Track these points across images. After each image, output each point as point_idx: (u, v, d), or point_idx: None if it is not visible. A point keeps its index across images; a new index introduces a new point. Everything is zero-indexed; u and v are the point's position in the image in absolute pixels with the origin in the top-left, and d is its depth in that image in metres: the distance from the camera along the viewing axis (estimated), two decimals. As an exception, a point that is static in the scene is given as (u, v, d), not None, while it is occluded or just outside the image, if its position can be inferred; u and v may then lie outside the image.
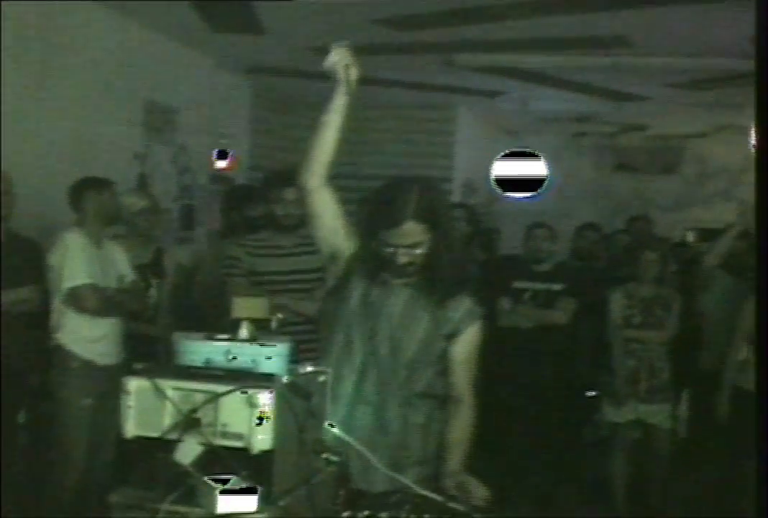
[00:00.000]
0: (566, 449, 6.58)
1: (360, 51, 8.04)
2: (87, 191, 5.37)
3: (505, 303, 6.43)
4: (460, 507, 2.81)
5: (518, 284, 6.50)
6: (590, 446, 7.05)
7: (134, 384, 2.48)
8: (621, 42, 7.61)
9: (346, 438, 2.79)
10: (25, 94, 6.10)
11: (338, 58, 3.23)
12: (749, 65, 7.92)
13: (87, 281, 5.15)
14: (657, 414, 6.34)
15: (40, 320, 5.28)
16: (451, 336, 3.38)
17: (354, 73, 3.24)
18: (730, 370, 5.98)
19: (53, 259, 5.19)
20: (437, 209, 3.27)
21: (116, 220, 5.56)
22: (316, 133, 3.29)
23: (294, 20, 7.36)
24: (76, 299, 5.17)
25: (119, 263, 5.47)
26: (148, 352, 5.39)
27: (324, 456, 2.70)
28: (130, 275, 5.48)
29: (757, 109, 2.77)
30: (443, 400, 3.43)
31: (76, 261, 5.15)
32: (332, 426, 2.74)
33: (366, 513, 2.77)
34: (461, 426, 3.38)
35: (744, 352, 5.99)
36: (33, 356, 5.28)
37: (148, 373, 2.49)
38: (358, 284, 3.35)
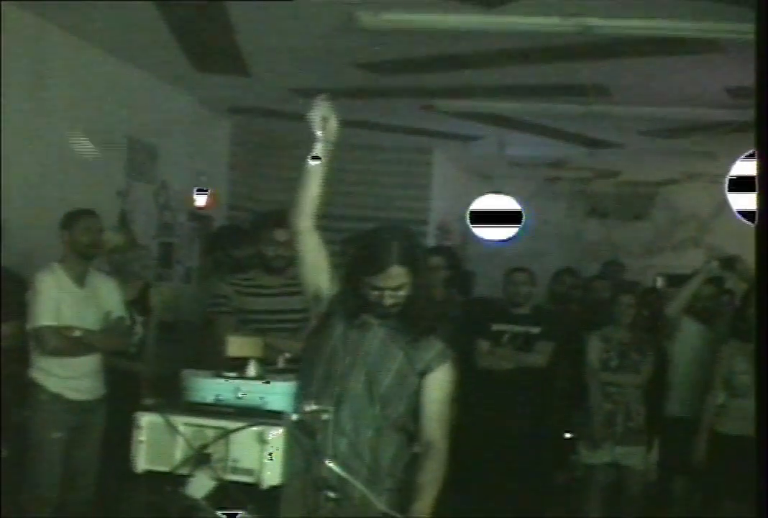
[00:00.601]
0: (540, 491, 6.62)
1: (340, 94, 8.23)
2: (70, 223, 5.43)
3: (483, 345, 6.51)
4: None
5: (497, 327, 6.59)
6: (563, 488, 7.09)
7: (146, 420, 2.54)
8: (597, 91, 7.76)
9: (346, 475, 2.86)
10: (13, 128, 6.16)
11: (317, 111, 3.42)
12: (722, 115, 8.19)
13: (48, 323, 5.21)
14: (632, 456, 6.42)
15: (22, 355, 5.32)
16: (423, 373, 3.48)
17: (332, 126, 3.43)
18: (708, 414, 6.08)
19: (27, 297, 5.27)
20: (417, 254, 3.51)
21: (95, 254, 5.57)
22: (302, 178, 3.49)
23: (278, 63, 7.47)
24: (37, 340, 5.25)
25: (105, 299, 5.50)
26: (132, 387, 5.44)
27: (324, 492, 2.77)
28: (117, 312, 5.51)
29: (757, 121, 2.86)
30: (412, 437, 3.51)
31: (42, 302, 5.21)
32: (331, 463, 2.81)
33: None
34: (431, 468, 3.43)
35: (721, 397, 6.10)
36: (13, 390, 5.32)
37: (159, 409, 2.54)
38: (338, 323, 3.48)
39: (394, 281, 3.39)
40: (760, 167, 2.88)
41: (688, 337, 6.73)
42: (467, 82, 7.88)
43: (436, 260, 6.41)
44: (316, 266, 3.54)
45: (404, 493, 3.43)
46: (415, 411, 3.49)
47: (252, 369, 2.75)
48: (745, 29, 5.77)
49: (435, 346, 3.51)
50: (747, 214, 6.53)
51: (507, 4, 5.67)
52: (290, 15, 6.16)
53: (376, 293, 3.40)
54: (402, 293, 3.41)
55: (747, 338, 5.84)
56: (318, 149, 3.44)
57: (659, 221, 12.93)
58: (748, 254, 10.49)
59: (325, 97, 3.45)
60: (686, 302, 6.52)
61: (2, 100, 5.94)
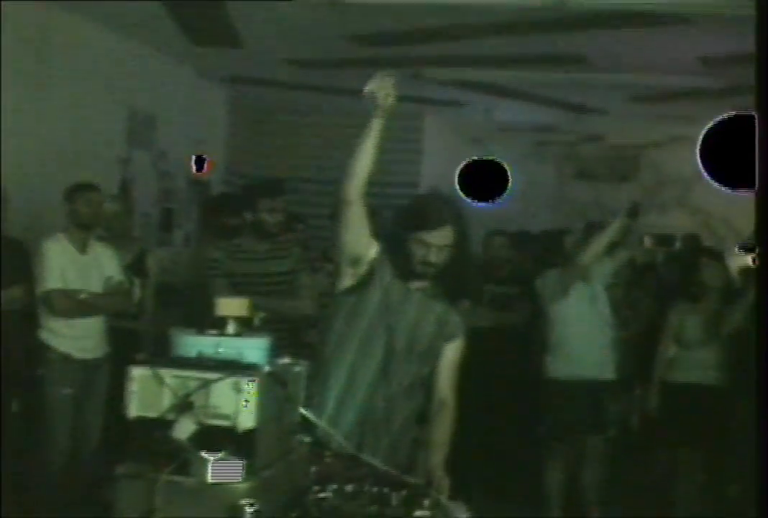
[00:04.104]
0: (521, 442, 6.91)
1: (330, 64, 8.47)
2: (72, 196, 5.76)
3: (465, 304, 6.82)
4: (414, 480, 3.27)
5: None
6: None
7: (137, 372, 2.89)
8: (578, 60, 8.07)
9: (316, 421, 3.23)
10: (20, 102, 6.49)
11: (379, 86, 3.51)
12: (695, 82, 8.47)
13: (57, 286, 5.57)
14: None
15: (30, 317, 5.70)
16: (448, 339, 3.85)
17: (391, 101, 3.52)
18: (659, 367, 6.46)
19: (35, 264, 5.63)
20: (465, 220, 3.77)
21: (96, 224, 5.92)
22: (356, 151, 3.56)
23: (271, 34, 7.74)
24: (47, 303, 5.61)
25: (106, 265, 5.85)
26: (133, 345, 5.82)
27: (298, 437, 3.14)
28: (116, 276, 5.86)
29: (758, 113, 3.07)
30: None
31: (50, 267, 5.57)
32: (305, 411, 3.17)
33: (334, 486, 3.20)
34: (444, 425, 3.84)
35: (672, 350, 6.46)
36: (23, 350, 5.70)
37: (149, 363, 2.90)
38: (379, 283, 3.75)
39: (443, 240, 3.65)
40: (761, 165, 3.03)
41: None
42: (453, 53, 8.16)
43: None
44: (360, 234, 3.72)
45: (405, 449, 3.86)
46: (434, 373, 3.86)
47: (231, 327, 3.08)
48: (714, 3, 6.11)
49: (457, 317, 3.87)
50: (718, 176, 6.86)
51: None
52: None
53: (422, 250, 3.66)
54: (445, 252, 3.68)
55: (695, 298, 6.43)
56: (376, 121, 3.53)
57: (645, 182, 13.17)
58: (725, 210, 10.77)
59: (390, 73, 3.53)
60: (600, 250, 6.25)
61: (2, 74, 6.26)
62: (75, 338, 5.68)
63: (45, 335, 5.66)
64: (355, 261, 3.78)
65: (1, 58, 6.20)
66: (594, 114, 10.68)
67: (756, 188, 3.07)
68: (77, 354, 5.67)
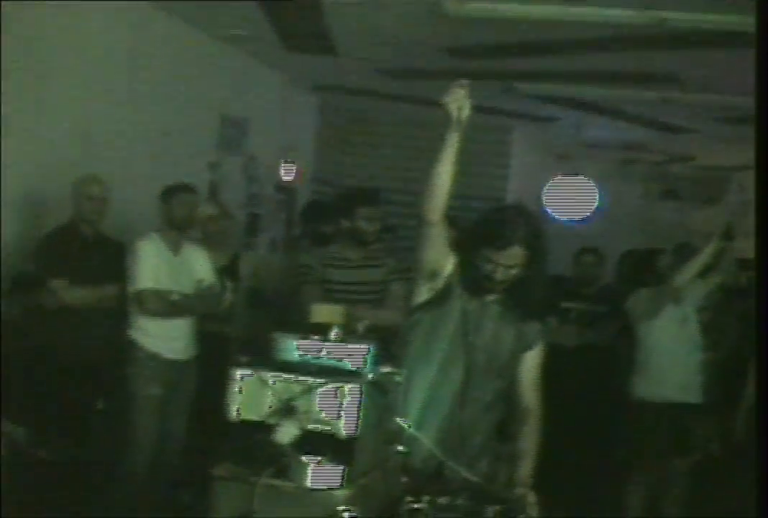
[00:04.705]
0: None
1: (424, 75, 8.45)
2: (168, 197, 5.81)
3: (552, 322, 6.80)
4: (509, 495, 3.25)
5: (565, 304, 6.88)
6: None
7: (240, 374, 2.90)
8: (671, 79, 7.98)
9: (416, 433, 3.22)
10: (112, 105, 6.58)
11: (453, 98, 3.39)
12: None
13: (149, 285, 5.60)
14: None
15: (122, 316, 5.75)
16: (527, 349, 3.86)
17: (465, 113, 3.41)
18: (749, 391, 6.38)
19: (129, 263, 5.67)
20: (538, 238, 3.69)
21: (190, 225, 5.96)
22: (433, 168, 3.51)
23: (366, 44, 7.76)
24: (139, 302, 5.64)
25: (198, 267, 5.89)
26: (222, 348, 5.85)
27: (396, 446, 3.14)
28: (208, 279, 5.89)
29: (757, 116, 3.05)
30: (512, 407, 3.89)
31: (144, 267, 5.61)
32: (404, 422, 3.16)
33: (428, 498, 3.18)
34: (532, 434, 3.83)
35: None
36: (112, 348, 5.73)
37: (252, 365, 2.91)
38: (455, 298, 3.76)
39: (511, 260, 3.62)
40: (758, 176, 3.06)
41: None
42: (546, 68, 8.13)
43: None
44: (440, 252, 3.73)
45: (485, 465, 3.85)
46: (513, 384, 3.87)
47: (334, 334, 3.08)
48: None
49: (536, 326, 3.87)
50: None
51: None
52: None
53: (490, 266, 3.64)
54: (514, 271, 3.66)
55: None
56: (451, 134, 3.45)
57: (732, 205, 13.00)
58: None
59: (462, 83, 3.40)
60: (695, 272, 6.25)
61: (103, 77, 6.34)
62: (165, 338, 5.71)
63: (135, 334, 5.70)
64: (433, 275, 3.78)
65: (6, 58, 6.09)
66: (684, 134, 10.57)
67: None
68: (166, 354, 5.71)
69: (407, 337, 3.86)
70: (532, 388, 3.88)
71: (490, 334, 3.77)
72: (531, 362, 3.87)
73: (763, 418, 2.89)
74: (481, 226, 3.77)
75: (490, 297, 3.77)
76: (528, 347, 3.85)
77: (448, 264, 3.76)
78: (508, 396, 3.88)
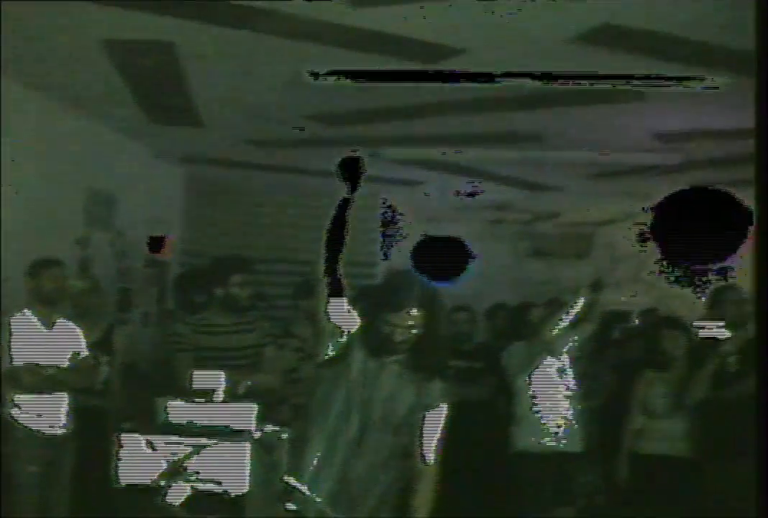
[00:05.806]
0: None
1: (290, 144, 8.48)
2: (36, 272, 5.75)
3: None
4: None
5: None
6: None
7: (126, 439, 2.87)
8: (533, 138, 8.19)
9: (304, 490, 3.21)
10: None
11: (346, 167, 3.67)
12: (652, 158, 8.63)
13: (22, 362, 5.53)
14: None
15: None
16: (428, 407, 3.91)
17: (359, 180, 3.68)
18: (626, 438, 6.45)
19: (1, 341, 5.56)
20: (434, 299, 3.83)
21: (61, 300, 5.90)
22: (326, 241, 3.74)
23: (230, 114, 7.80)
24: (13, 379, 5.54)
25: (73, 341, 5.82)
26: (98, 423, 5.76)
27: (286, 505, 3.12)
28: (83, 352, 5.83)
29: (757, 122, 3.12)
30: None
31: (16, 344, 5.53)
32: (289, 479, 3.16)
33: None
34: (426, 491, 3.90)
35: (639, 421, 6.48)
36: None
37: (138, 430, 2.89)
38: (357, 355, 3.83)
39: (407, 321, 3.72)
40: (758, 170, 3.12)
41: None
42: (410, 132, 8.27)
43: None
44: (341, 311, 3.82)
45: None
46: (412, 442, 3.90)
47: (218, 395, 3.08)
48: (667, 81, 6.25)
49: (439, 384, 3.93)
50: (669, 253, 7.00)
51: (448, 59, 6.02)
52: (241, 70, 6.51)
53: (388, 328, 3.74)
54: (413, 332, 3.75)
55: (660, 367, 6.48)
56: (343, 199, 3.71)
57: (600, 259, 13.28)
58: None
59: (353, 151, 3.67)
60: (566, 324, 6.33)
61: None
62: (41, 414, 5.59)
63: (11, 412, 5.56)
64: (334, 331, 3.86)
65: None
66: (549, 192, 10.81)
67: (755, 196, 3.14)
68: (46, 431, 5.60)
69: (312, 392, 3.91)
70: (432, 448, 3.93)
71: (388, 390, 3.83)
72: (435, 423, 3.93)
73: (763, 418, 2.92)
74: (379, 290, 3.97)
75: (391, 358, 3.83)
76: (429, 405, 3.91)
77: (351, 324, 3.85)
78: (408, 454, 3.91)
